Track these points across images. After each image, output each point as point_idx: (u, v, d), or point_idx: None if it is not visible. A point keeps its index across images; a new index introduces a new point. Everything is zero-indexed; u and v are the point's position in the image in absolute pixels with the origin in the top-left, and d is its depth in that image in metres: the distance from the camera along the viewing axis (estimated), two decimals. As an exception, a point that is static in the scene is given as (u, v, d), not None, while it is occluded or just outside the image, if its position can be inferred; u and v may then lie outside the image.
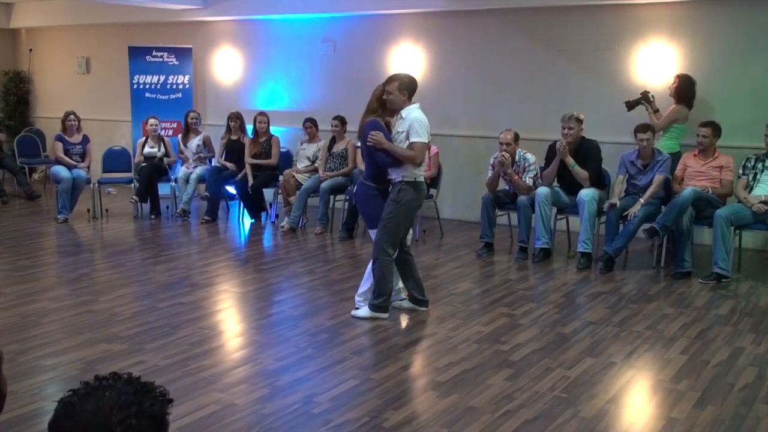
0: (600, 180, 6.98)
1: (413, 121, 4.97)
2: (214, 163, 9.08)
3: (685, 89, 7.08)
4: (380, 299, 5.15)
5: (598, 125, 7.60)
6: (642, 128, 6.64)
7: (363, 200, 5.35)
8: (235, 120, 8.88)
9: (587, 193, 6.71)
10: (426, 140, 5.01)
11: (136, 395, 1.40)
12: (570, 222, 7.33)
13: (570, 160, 6.82)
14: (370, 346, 4.72)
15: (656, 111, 7.17)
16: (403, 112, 5.08)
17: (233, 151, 8.84)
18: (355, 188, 5.55)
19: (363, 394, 3.93)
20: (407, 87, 5.05)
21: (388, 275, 5.14)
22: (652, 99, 7.21)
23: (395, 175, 5.08)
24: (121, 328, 4.95)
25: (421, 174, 5.13)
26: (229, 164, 8.75)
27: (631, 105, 7.20)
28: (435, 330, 5.01)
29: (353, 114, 8.44)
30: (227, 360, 4.47)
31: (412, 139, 4.97)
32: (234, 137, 8.86)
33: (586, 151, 6.88)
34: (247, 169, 8.61)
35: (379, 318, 5.14)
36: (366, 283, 5.29)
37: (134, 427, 1.37)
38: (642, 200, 6.53)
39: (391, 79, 5.11)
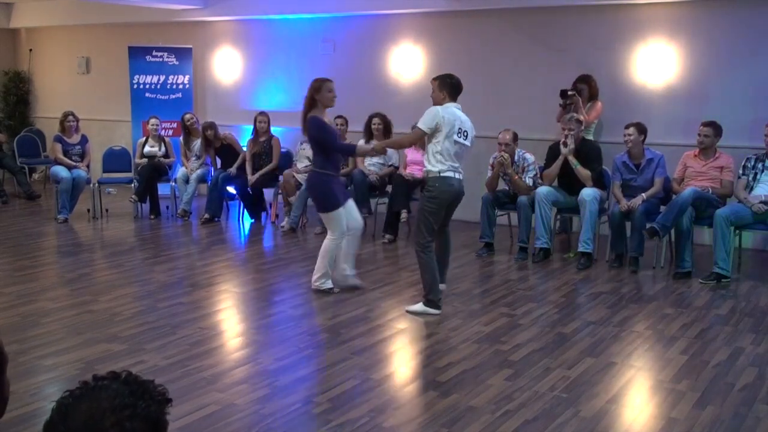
0: (601, 180, 6.99)
1: (429, 111, 5.23)
2: (212, 172, 9.04)
3: (597, 88, 7.53)
4: (429, 294, 5.35)
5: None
6: (627, 125, 6.70)
7: (312, 185, 5.82)
8: (210, 129, 8.79)
9: (589, 193, 6.72)
10: (424, 129, 5.21)
11: (132, 397, 1.38)
12: (558, 221, 7.33)
13: (573, 160, 6.83)
14: (370, 346, 4.72)
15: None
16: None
17: (226, 156, 8.84)
18: (308, 176, 6.11)
19: (363, 394, 3.93)
20: (447, 86, 5.31)
21: (425, 267, 5.31)
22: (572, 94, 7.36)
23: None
24: (121, 328, 4.95)
25: (446, 169, 5.21)
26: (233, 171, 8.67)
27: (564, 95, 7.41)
28: (435, 330, 5.01)
29: (353, 114, 8.48)
30: (227, 360, 4.47)
31: (417, 124, 5.28)
32: (217, 145, 8.83)
33: (588, 152, 6.89)
34: (247, 168, 8.62)
35: (429, 313, 5.29)
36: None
37: (128, 430, 1.35)
38: (644, 195, 6.55)
39: (435, 78, 5.40)
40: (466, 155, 5.47)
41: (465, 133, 5.28)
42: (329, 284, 5.80)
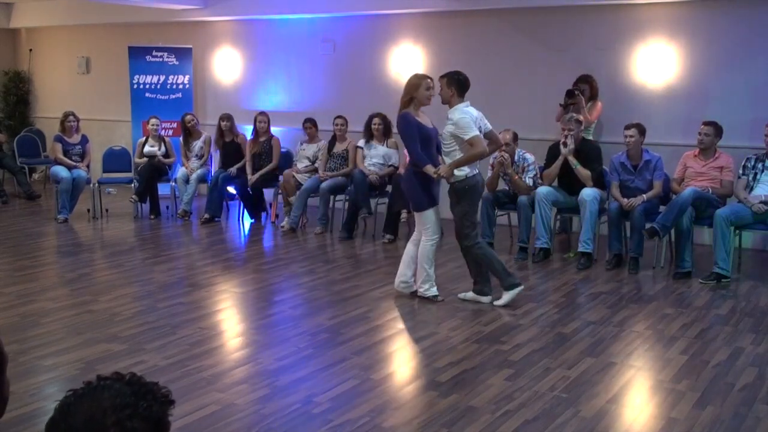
0: (601, 180, 6.99)
1: (458, 123, 5.25)
2: (212, 172, 9.03)
3: (597, 88, 7.55)
4: (504, 281, 5.51)
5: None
6: (628, 125, 6.69)
7: (405, 184, 5.75)
8: (226, 120, 8.86)
9: (589, 193, 6.71)
10: (475, 132, 5.24)
11: (134, 397, 1.39)
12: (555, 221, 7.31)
13: (573, 160, 6.83)
14: (370, 346, 4.72)
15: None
16: (449, 113, 5.35)
17: (230, 154, 8.83)
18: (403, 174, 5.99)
19: (363, 394, 3.93)
20: (455, 83, 5.31)
21: (485, 259, 5.50)
22: (577, 94, 7.36)
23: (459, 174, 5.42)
24: (121, 328, 4.95)
25: (470, 170, 5.39)
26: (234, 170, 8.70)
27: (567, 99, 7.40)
28: (435, 330, 5.01)
29: (353, 114, 8.48)
30: (227, 360, 4.47)
31: (467, 138, 5.25)
32: (227, 139, 8.85)
33: (587, 152, 6.89)
34: (248, 168, 8.62)
35: (517, 295, 5.51)
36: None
37: (129, 429, 1.35)
38: (644, 196, 6.54)
39: (442, 76, 5.40)
40: None
41: (480, 128, 5.40)
42: (434, 291, 5.62)
